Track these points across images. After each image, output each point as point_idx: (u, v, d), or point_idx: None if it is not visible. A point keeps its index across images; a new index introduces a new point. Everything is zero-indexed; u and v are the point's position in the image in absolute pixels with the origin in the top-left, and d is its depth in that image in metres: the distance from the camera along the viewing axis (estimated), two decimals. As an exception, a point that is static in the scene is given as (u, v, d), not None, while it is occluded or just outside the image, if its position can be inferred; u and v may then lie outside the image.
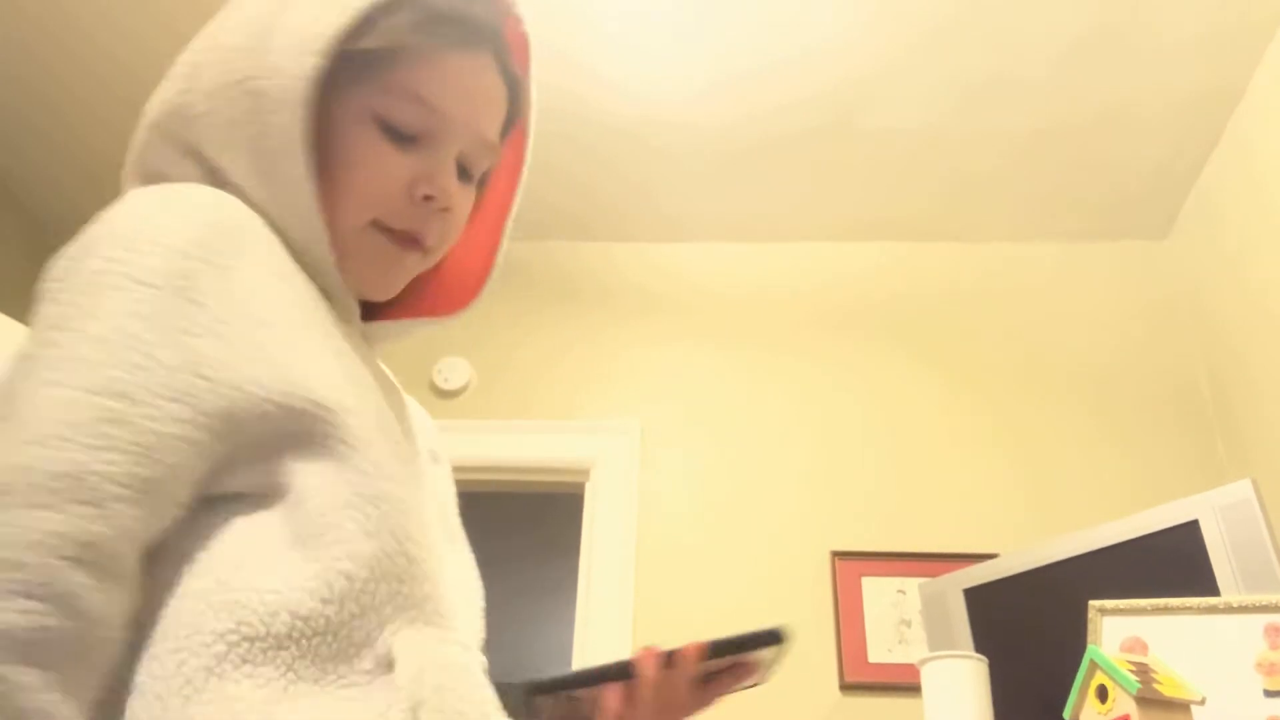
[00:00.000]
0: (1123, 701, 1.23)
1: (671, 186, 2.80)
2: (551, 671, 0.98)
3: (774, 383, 2.75)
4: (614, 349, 2.83)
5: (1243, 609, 1.45)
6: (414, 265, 0.81)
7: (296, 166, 0.72)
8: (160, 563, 0.62)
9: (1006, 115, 2.54)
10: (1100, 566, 1.82)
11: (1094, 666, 1.30)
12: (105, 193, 2.93)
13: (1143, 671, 1.24)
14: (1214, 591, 1.62)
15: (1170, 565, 1.71)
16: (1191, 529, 1.70)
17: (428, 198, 0.77)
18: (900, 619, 2.41)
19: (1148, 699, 1.21)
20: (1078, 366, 2.72)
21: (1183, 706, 1.23)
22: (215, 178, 0.75)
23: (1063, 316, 2.80)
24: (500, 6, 0.83)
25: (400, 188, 0.76)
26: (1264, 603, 1.43)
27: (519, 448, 2.68)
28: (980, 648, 1.97)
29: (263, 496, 0.64)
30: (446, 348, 2.85)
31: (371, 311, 0.85)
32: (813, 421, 2.69)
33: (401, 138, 0.76)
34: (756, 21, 2.33)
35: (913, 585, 2.42)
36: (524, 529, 4.83)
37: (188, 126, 0.76)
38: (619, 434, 2.67)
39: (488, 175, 0.87)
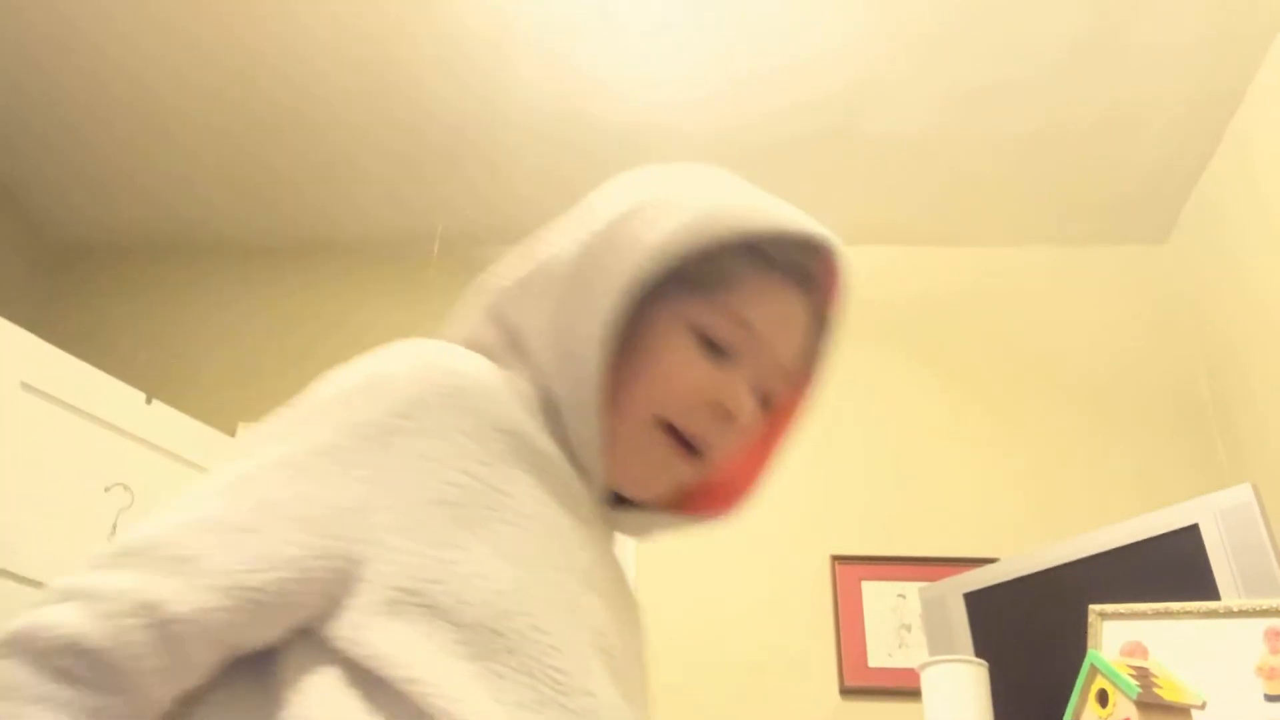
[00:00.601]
0: (1123, 706, 1.23)
1: (671, 191, 2.80)
2: None
3: (774, 387, 2.74)
4: (614, 353, 2.83)
5: (1243, 613, 1.45)
6: (685, 473, 0.82)
7: (592, 347, 0.76)
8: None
9: (1006, 119, 2.54)
10: (1101, 570, 1.82)
11: (1094, 671, 1.30)
12: (106, 198, 2.93)
13: (1143, 676, 1.24)
14: (1214, 596, 1.62)
15: (1170, 569, 1.71)
16: (1192, 533, 1.70)
17: (726, 412, 0.80)
18: (900, 623, 2.40)
19: (1148, 703, 1.21)
20: (1078, 370, 2.72)
21: (1183, 711, 1.22)
22: (511, 338, 0.82)
23: (1063, 320, 2.80)
24: (826, 250, 0.87)
25: (703, 396, 0.79)
26: (1264, 607, 1.43)
27: (519, 452, 2.68)
28: (980, 652, 1.97)
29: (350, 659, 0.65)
30: (446, 352, 2.85)
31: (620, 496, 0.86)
32: (813, 425, 2.68)
33: (715, 351, 0.80)
34: (756, 27, 2.34)
35: (913, 589, 2.42)
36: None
37: (501, 290, 0.83)
38: (619, 438, 2.67)
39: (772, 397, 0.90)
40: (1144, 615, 1.53)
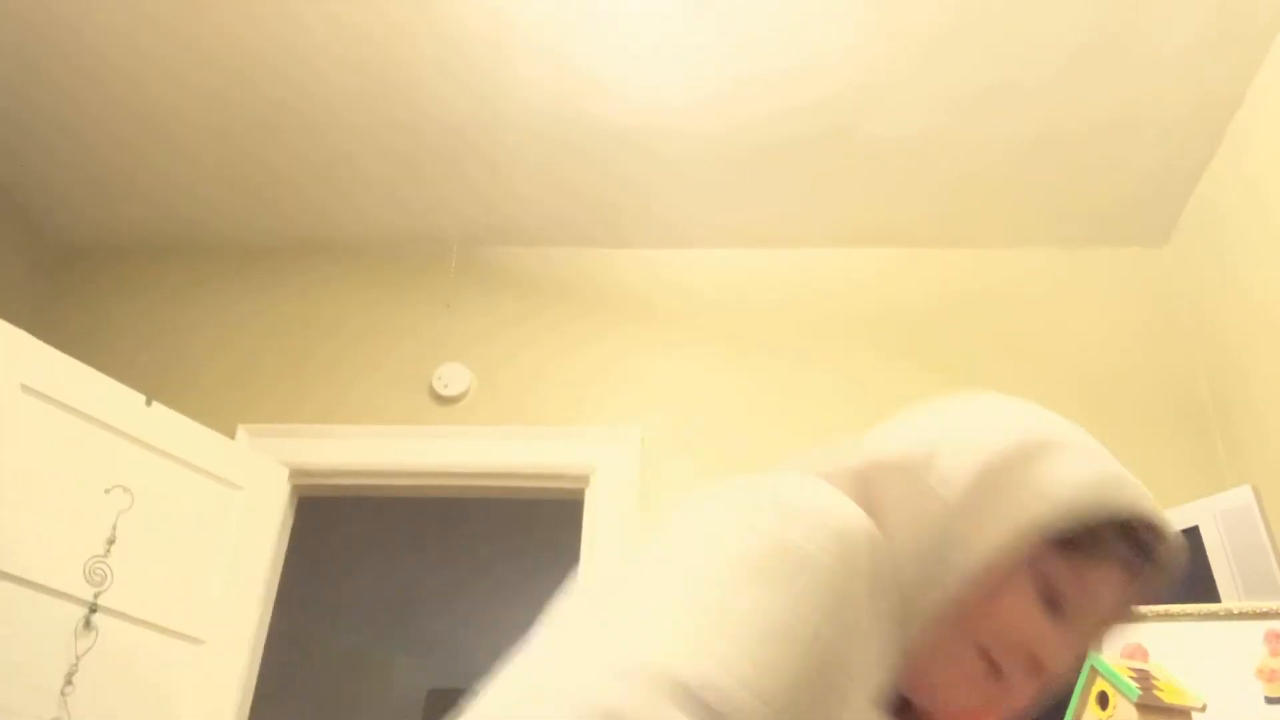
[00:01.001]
0: (1124, 708, 1.23)
1: (671, 192, 2.81)
2: None
3: (774, 389, 2.75)
4: (614, 355, 2.83)
5: (1243, 615, 1.45)
6: (984, 697, 0.83)
7: (962, 571, 0.77)
8: None
9: (1007, 121, 2.54)
10: (1101, 572, 1.82)
11: (1094, 673, 1.30)
12: (106, 199, 2.93)
13: (1143, 678, 1.24)
14: (1215, 598, 1.62)
15: (1171, 571, 1.71)
16: (1192, 535, 1.70)
17: (1043, 668, 0.81)
18: (900, 625, 2.40)
19: (1149, 705, 1.21)
20: (1078, 372, 2.72)
21: (1183, 713, 1.22)
22: (867, 510, 0.79)
23: (1063, 323, 2.80)
24: (1176, 550, 0.88)
25: (1029, 646, 0.81)
26: (1264, 609, 1.43)
27: (519, 453, 2.68)
28: (981, 654, 1.96)
29: None
30: (446, 354, 2.85)
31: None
32: (813, 428, 2.68)
33: (1053, 607, 0.81)
34: (757, 28, 2.34)
35: (913, 591, 2.42)
36: (523, 536, 4.82)
37: (878, 462, 0.83)
38: (619, 440, 2.67)
39: None
40: (1144, 617, 1.53)
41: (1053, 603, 0.81)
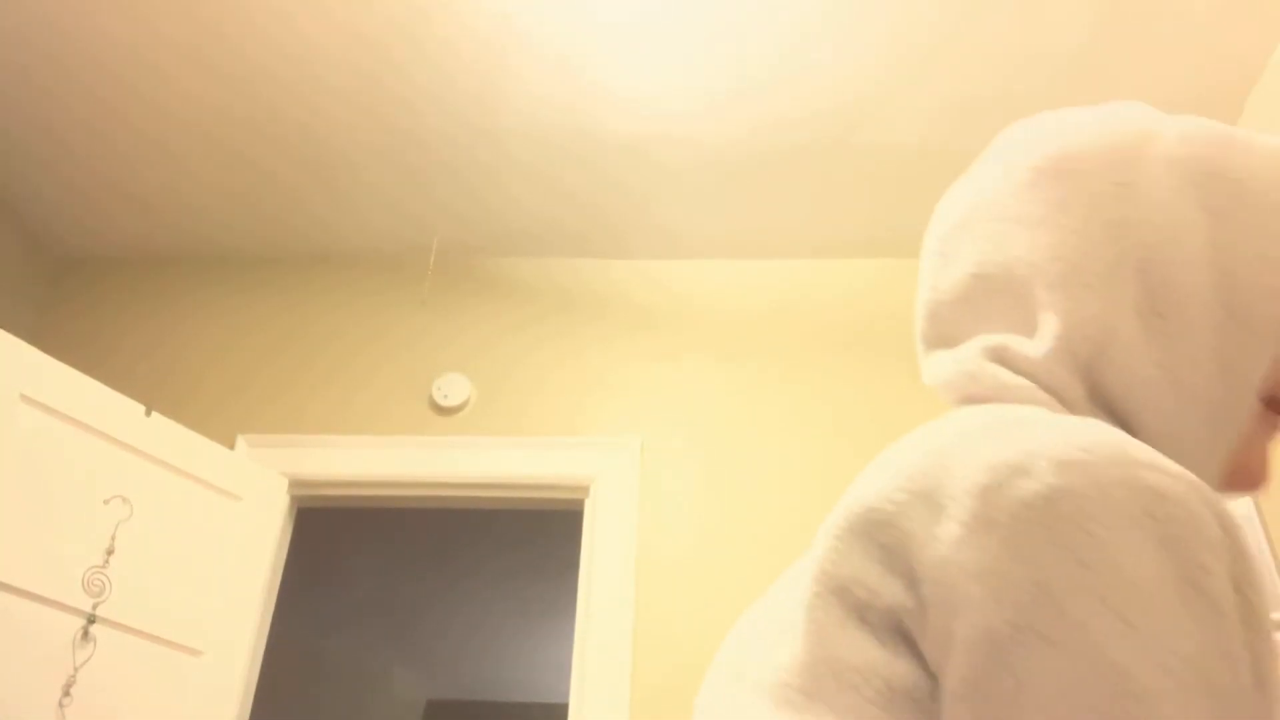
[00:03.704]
0: (1124, 719, 1.22)
1: (671, 202, 2.81)
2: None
3: (773, 398, 2.75)
4: (614, 365, 2.84)
5: (1244, 625, 1.44)
6: None
7: (1246, 392, 0.63)
8: None
9: (1004, 130, 2.54)
10: (1101, 583, 1.82)
11: (1095, 683, 1.29)
12: (105, 209, 2.94)
13: (1144, 688, 1.24)
14: (1215, 608, 1.62)
15: (1171, 581, 1.71)
16: (1192, 545, 1.70)
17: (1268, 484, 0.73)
18: (901, 635, 2.40)
19: (1150, 716, 1.20)
20: (1077, 382, 2.72)
21: (1185, 724, 1.22)
22: (1108, 403, 0.64)
23: (1062, 332, 2.80)
24: None
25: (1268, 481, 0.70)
26: (1266, 619, 1.43)
27: (519, 464, 2.68)
28: (981, 664, 1.96)
29: None
30: (446, 364, 2.85)
31: None
32: (813, 437, 2.68)
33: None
34: (756, 38, 2.34)
35: (913, 601, 2.41)
36: (523, 546, 4.82)
37: (1108, 333, 0.63)
38: (619, 450, 2.67)
39: None
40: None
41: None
